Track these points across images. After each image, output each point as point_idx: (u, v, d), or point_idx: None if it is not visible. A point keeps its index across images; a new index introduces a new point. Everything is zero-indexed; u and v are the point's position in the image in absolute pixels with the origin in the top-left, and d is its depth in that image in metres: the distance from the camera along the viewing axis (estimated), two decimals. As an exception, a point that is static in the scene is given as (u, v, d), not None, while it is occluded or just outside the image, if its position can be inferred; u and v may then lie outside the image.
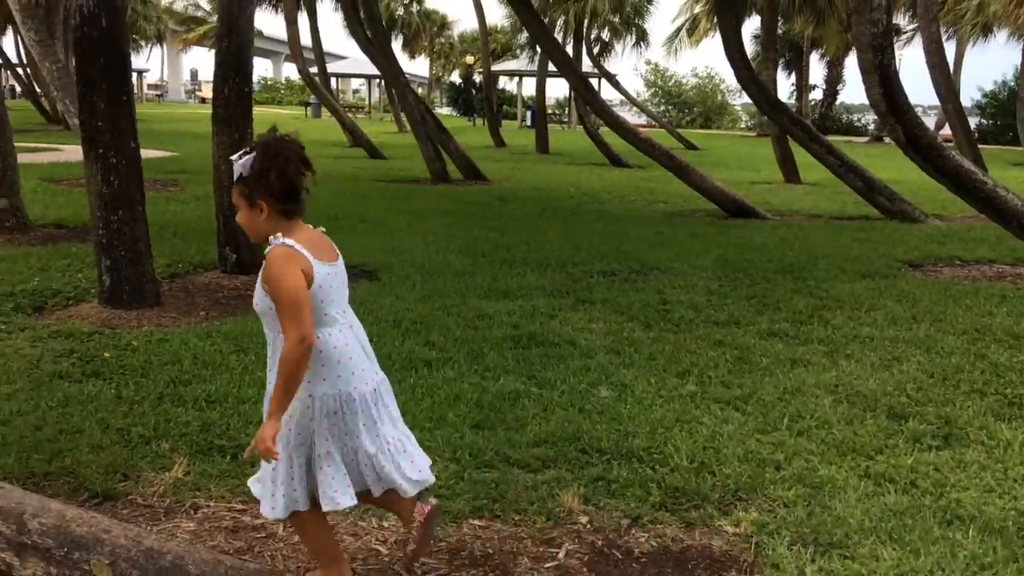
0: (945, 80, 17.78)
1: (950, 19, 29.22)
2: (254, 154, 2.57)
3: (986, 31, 31.08)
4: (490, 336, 5.55)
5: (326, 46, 27.81)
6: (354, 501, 2.64)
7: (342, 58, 52.10)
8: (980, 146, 18.46)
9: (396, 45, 40.14)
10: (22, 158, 9.75)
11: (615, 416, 4.24)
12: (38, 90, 32.98)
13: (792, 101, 40.05)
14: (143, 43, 50.90)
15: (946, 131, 22.01)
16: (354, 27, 17.93)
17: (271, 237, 2.61)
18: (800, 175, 17.55)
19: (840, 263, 8.30)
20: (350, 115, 28.29)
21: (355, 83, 71.62)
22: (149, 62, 75.75)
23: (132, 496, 3.38)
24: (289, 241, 2.59)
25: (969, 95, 40.94)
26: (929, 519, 3.27)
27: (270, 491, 2.65)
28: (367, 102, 58.95)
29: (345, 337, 2.63)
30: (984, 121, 38.63)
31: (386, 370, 4.72)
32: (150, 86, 72.04)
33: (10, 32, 34.86)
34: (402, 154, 21.32)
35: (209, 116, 7.61)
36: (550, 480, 3.57)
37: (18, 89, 40.73)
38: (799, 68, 41.99)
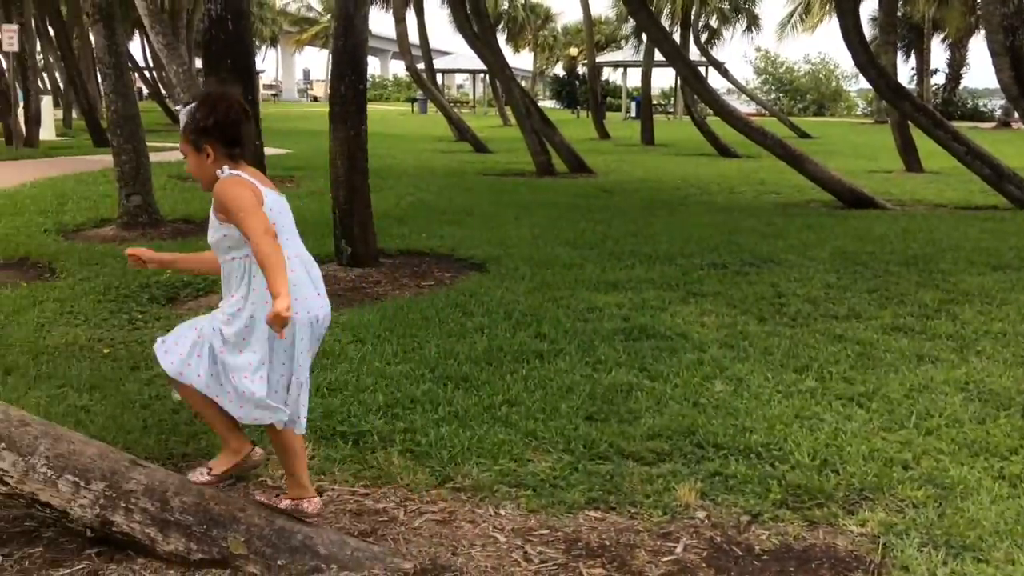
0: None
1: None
2: (198, 103, 2.78)
3: None
4: (600, 328, 5.54)
5: (431, 42, 28.26)
6: (263, 393, 2.78)
7: (447, 54, 52.88)
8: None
9: (500, 39, 40.36)
10: (151, 157, 10.28)
11: (731, 411, 4.17)
12: (163, 92, 34.80)
13: (912, 86, 38.28)
14: (259, 44, 53.02)
15: (1084, 114, 20.56)
16: (461, 23, 18.14)
17: (218, 171, 2.79)
18: (922, 163, 16.77)
19: (968, 255, 7.90)
20: (456, 110, 28.67)
21: (459, 78, 72.51)
22: (264, 63, 78.71)
23: (262, 478, 3.54)
24: (236, 171, 2.79)
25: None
26: (1073, 525, 3.09)
27: (176, 351, 2.85)
28: (471, 97, 59.64)
29: (292, 265, 2.79)
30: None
31: (498, 362, 4.86)
32: (265, 86, 74.93)
33: (136, 37, 36.86)
34: (506, 147, 21.46)
35: (321, 114, 7.86)
36: (665, 474, 3.55)
37: (145, 91, 42.96)
38: (920, 51, 40.15)
